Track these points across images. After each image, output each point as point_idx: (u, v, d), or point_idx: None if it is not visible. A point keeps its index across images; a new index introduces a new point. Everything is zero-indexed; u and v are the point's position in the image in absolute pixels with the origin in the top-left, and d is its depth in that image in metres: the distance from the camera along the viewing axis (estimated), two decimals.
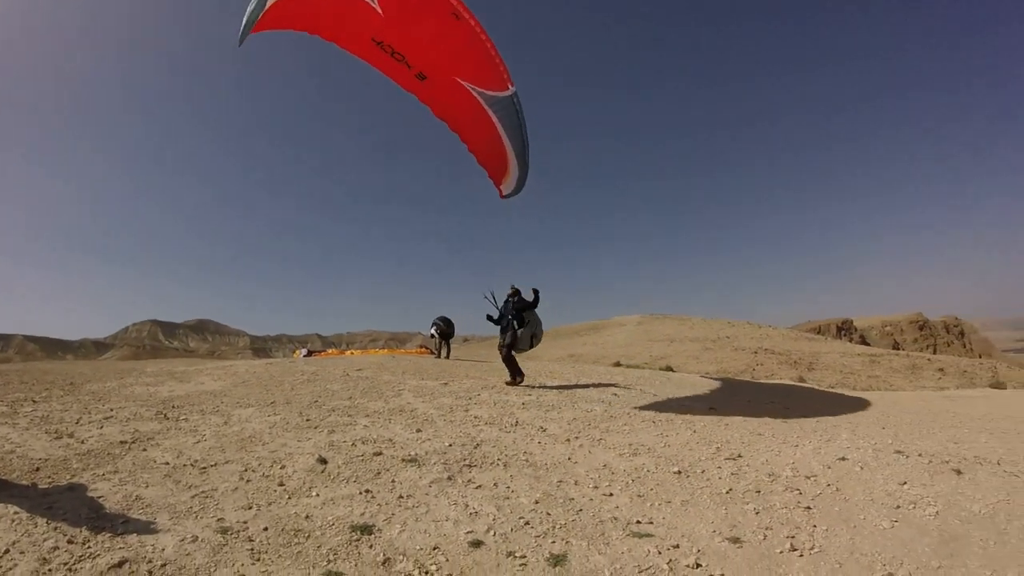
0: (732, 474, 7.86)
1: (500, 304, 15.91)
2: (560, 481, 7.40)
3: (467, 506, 6.43)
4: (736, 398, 15.69)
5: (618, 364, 32.48)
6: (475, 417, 10.86)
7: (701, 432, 10.39)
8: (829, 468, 8.18)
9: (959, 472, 8.13)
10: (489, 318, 15.86)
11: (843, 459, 8.57)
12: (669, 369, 28.67)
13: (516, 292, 15.70)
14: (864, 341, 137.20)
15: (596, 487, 7.21)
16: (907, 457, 8.81)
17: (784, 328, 69.19)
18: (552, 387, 15.05)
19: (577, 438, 9.58)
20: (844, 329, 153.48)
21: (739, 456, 8.71)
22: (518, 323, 15.39)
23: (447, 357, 25.12)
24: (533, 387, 14.79)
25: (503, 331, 15.45)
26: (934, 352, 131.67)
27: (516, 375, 15.31)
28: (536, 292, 15.37)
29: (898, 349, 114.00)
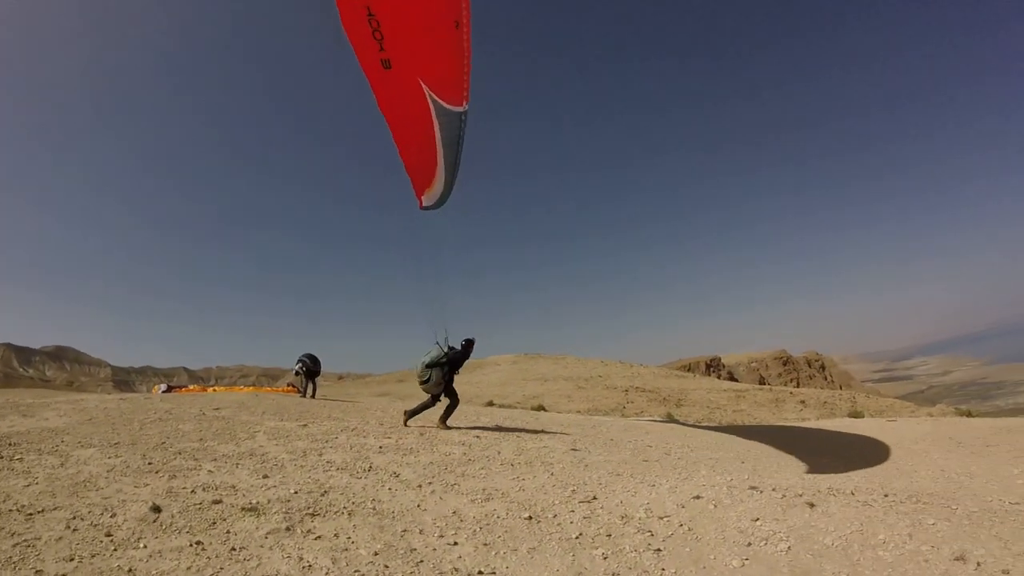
0: (584, 517, 7.63)
1: (449, 347, 14.98)
2: (405, 530, 6.94)
3: (302, 559, 5.92)
4: (600, 437, 15.56)
5: (491, 404, 32.23)
6: (328, 462, 10.18)
7: (559, 474, 10.12)
8: (683, 507, 8.08)
9: (812, 505, 8.17)
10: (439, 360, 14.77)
11: (698, 497, 8.50)
12: (541, 408, 28.57)
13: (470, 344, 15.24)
14: (732, 377, 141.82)
15: (441, 536, 6.80)
16: (761, 492, 8.82)
17: (655, 366, 70.73)
18: (415, 429, 14.46)
19: (430, 483, 9.09)
20: (713, 366, 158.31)
21: (594, 498, 8.50)
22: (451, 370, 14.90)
23: (313, 396, 24.04)
24: (395, 429, 14.18)
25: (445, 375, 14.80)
26: (797, 386, 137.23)
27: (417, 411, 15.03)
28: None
29: (764, 384, 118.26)
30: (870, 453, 13.61)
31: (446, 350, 14.82)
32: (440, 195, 15.18)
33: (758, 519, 7.60)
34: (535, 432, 15.44)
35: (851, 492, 9.05)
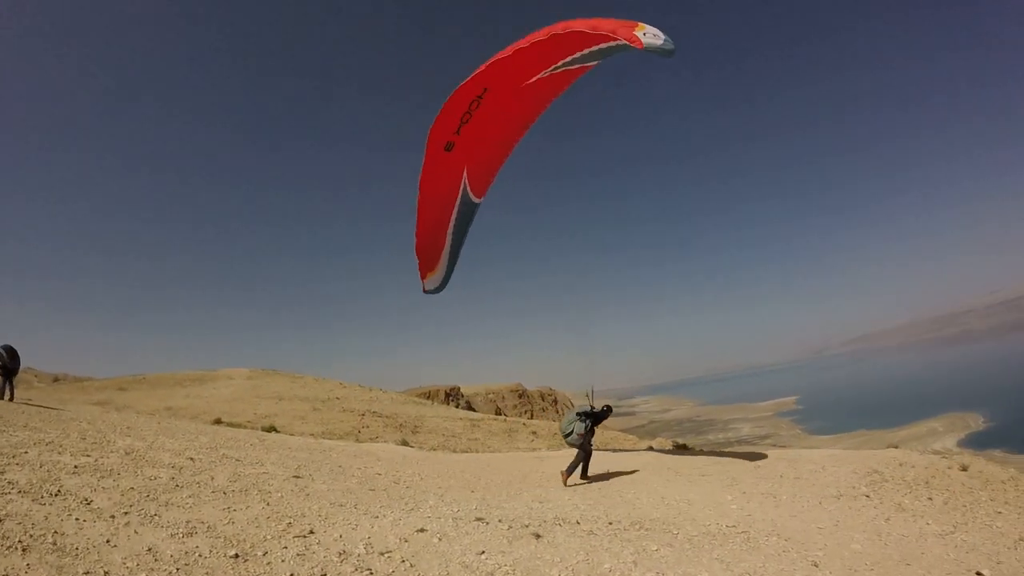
0: (299, 554, 6.98)
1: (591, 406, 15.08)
2: (87, 572, 5.85)
3: None
4: (328, 463, 14.80)
5: (218, 421, 30.35)
6: (9, 482, 8.49)
7: (276, 504, 9.31)
8: (406, 541, 7.71)
9: (538, 536, 8.13)
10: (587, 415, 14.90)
11: (422, 530, 8.18)
12: (272, 429, 27.18)
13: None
14: (471, 407, 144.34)
15: None
16: (487, 524, 8.68)
17: (394, 392, 70.23)
18: (121, 447, 12.86)
19: (127, 513, 7.81)
20: (452, 395, 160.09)
21: (311, 532, 7.87)
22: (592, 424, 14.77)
23: (11, 399, 20.89)
24: (96, 446, 12.51)
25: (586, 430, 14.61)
26: (531, 417, 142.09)
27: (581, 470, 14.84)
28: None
29: (500, 414, 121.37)
30: (594, 482, 13.98)
31: (590, 408, 14.89)
32: (442, 281, 16.38)
33: (483, 552, 7.43)
34: (258, 456, 14.38)
35: (576, 521, 9.13)
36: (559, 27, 12.27)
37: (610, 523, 9.28)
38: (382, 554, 7.20)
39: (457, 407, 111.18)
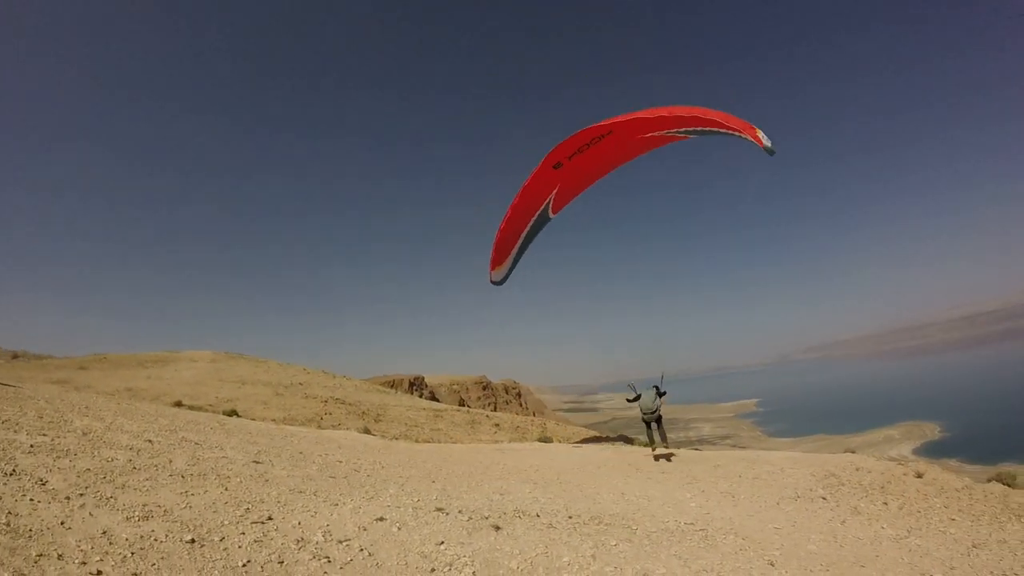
0: (256, 541, 6.92)
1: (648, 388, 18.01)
2: (41, 555, 5.70)
3: None
4: (288, 449, 14.66)
5: (179, 404, 29.98)
6: None
7: (234, 489, 9.16)
8: (365, 530, 7.68)
9: (498, 528, 8.15)
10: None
11: (381, 519, 8.15)
12: (234, 413, 26.88)
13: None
14: (434, 397, 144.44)
15: (84, 563, 5.68)
16: (447, 514, 8.67)
17: (359, 379, 69.77)
18: (79, 427, 12.61)
19: (82, 495, 7.62)
20: (416, 384, 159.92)
21: (269, 518, 7.80)
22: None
23: None
24: (53, 425, 12.27)
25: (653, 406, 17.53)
26: (495, 409, 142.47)
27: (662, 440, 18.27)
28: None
29: (464, 405, 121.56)
30: (555, 476, 14.04)
31: (660, 387, 18.08)
32: (505, 275, 19.39)
33: (443, 543, 7.44)
34: (218, 440, 14.20)
35: (536, 514, 9.15)
36: (699, 111, 14.18)
37: (570, 517, 9.33)
38: (340, 542, 7.18)
39: (421, 397, 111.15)
